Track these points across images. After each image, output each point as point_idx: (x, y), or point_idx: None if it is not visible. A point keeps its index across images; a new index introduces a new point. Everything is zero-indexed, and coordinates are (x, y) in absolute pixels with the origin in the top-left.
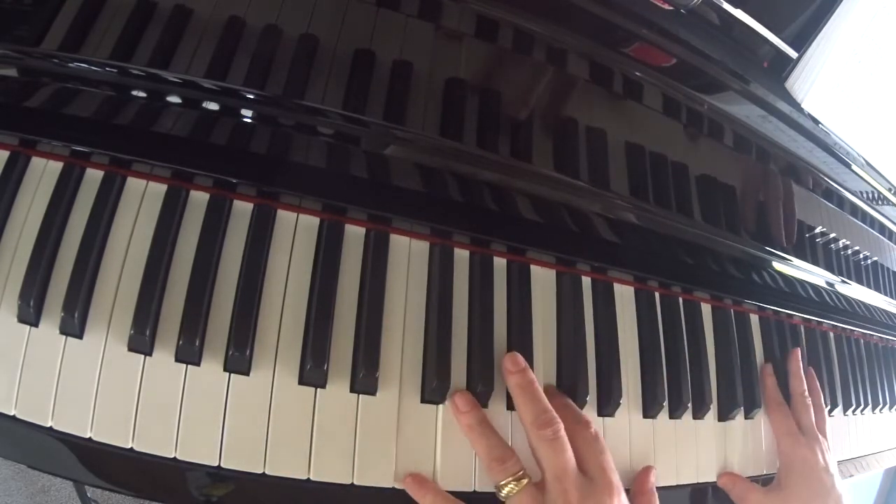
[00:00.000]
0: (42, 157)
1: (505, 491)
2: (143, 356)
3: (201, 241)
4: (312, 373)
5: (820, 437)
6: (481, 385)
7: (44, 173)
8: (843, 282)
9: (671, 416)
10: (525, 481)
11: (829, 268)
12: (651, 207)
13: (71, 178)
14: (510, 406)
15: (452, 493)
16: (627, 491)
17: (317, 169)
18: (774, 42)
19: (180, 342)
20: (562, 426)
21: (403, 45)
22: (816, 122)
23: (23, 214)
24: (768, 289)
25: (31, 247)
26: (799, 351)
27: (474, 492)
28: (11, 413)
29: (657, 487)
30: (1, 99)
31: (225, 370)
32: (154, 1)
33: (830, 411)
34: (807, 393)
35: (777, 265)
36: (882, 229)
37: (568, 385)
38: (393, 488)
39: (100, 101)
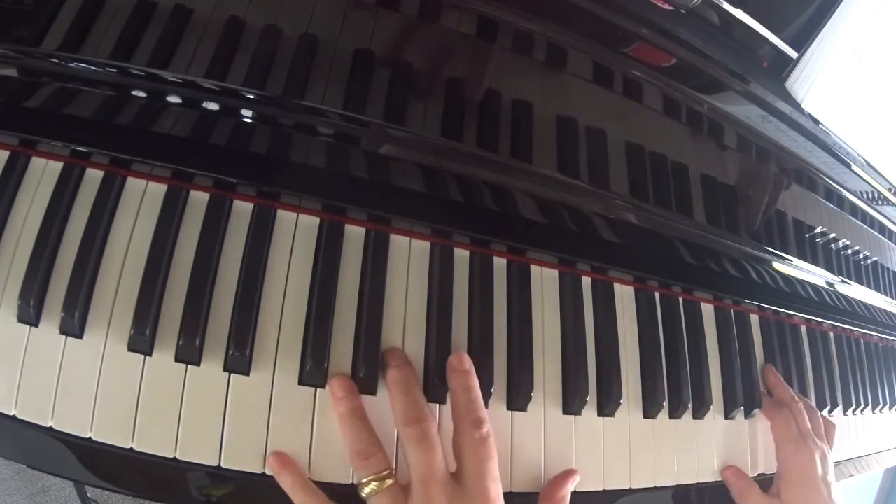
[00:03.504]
0: (42, 157)
1: (366, 490)
2: (143, 356)
3: (201, 241)
4: (312, 373)
5: (819, 442)
6: (481, 385)
7: (44, 173)
8: (843, 282)
9: (671, 416)
10: (389, 482)
11: (829, 268)
12: (651, 207)
13: (71, 178)
14: (510, 406)
15: None
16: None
17: (317, 169)
18: (774, 42)
19: (180, 342)
20: (432, 424)
21: (403, 45)
22: (816, 122)
23: (23, 214)
24: (768, 289)
25: (31, 247)
26: (771, 366)
27: None
28: (11, 413)
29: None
30: (1, 99)
31: (225, 370)
32: (154, 1)
33: (830, 411)
34: (796, 398)
35: (777, 265)
36: (882, 229)
37: (568, 385)
38: None
39: (100, 101)
